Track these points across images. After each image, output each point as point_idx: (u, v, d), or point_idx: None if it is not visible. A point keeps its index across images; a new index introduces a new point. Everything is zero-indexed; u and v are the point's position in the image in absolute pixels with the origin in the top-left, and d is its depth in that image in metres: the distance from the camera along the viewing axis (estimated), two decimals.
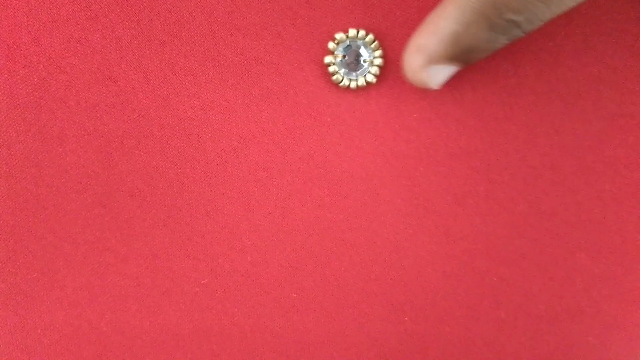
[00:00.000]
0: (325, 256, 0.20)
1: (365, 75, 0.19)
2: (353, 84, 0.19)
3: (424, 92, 0.20)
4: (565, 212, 0.20)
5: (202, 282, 0.20)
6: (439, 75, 0.18)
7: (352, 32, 0.19)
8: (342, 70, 0.19)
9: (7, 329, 0.19)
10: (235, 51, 0.18)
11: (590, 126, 0.19)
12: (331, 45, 0.19)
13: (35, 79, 0.18)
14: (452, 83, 0.20)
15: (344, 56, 0.19)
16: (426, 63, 0.17)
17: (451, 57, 0.17)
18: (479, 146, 0.20)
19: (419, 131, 0.20)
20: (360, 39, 0.19)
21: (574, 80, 0.19)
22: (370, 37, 0.19)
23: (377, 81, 0.19)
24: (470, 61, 0.17)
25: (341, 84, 0.19)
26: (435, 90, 0.19)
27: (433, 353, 0.20)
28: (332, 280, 0.20)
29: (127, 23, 0.18)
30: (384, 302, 0.20)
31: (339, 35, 0.19)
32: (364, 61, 0.19)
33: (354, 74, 0.19)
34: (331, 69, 0.19)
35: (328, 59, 0.19)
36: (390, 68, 0.19)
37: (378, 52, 0.19)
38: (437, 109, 0.20)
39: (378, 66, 0.19)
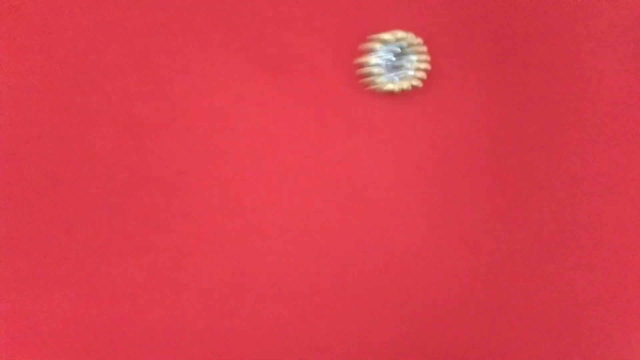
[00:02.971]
0: (343, 259, 0.19)
1: (411, 80, 0.18)
2: (397, 88, 0.18)
3: (464, 103, 0.19)
4: (579, 227, 0.19)
5: (218, 279, 0.19)
6: None
7: (400, 34, 0.18)
8: (385, 73, 0.18)
9: (19, 314, 0.19)
10: (276, 46, 0.18)
11: (614, 141, 0.19)
12: (376, 45, 0.18)
13: (72, 61, 0.17)
14: (488, 97, 0.19)
15: (388, 59, 0.18)
16: None
17: None
18: (509, 162, 0.19)
19: (453, 143, 0.19)
20: (407, 42, 0.18)
21: (612, 95, 0.19)
22: (419, 40, 0.18)
23: (422, 86, 0.18)
24: None
25: (384, 87, 0.18)
26: (474, 102, 0.19)
27: (431, 355, 0.20)
28: (350, 284, 0.19)
29: (169, 10, 0.18)
30: (386, 300, 0.19)
31: (386, 36, 0.18)
32: (410, 65, 0.18)
33: (397, 77, 0.18)
34: (375, 70, 0.18)
35: (373, 60, 0.18)
36: (436, 74, 0.19)
37: (424, 57, 0.18)
38: (474, 121, 0.19)
39: (424, 70, 0.18)
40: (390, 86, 0.18)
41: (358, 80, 0.19)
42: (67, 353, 0.19)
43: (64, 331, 0.19)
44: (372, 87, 0.18)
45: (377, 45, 0.18)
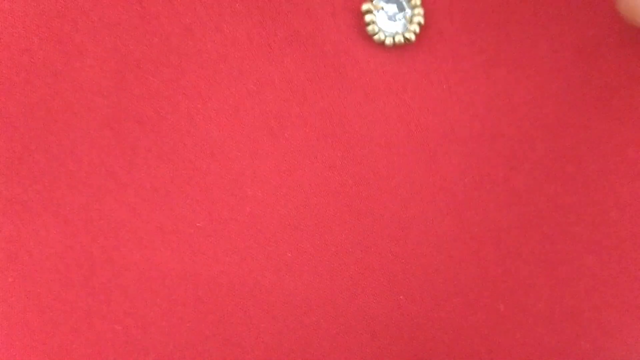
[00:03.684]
0: (328, 220, 0.19)
1: (404, 32, 0.18)
2: (389, 40, 0.18)
3: (460, 62, 0.18)
4: (581, 212, 0.18)
5: (198, 224, 0.19)
6: None
7: None
8: (380, 23, 0.18)
9: (1, 237, 0.19)
10: None
11: (621, 126, 0.18)
12: None
13: None
14: (486, 62, 0.18)
15: (383, 7, 0.18)
16: None
17: None
18: (505, 130, 0.18)
19: (447, 104, 0.18)
20: None
21: (609, 76, 0.18)
22: None
23: (415, 40, 0.18)
24: None
25: (376, 37, 0.18)
26: (470, 63, 0.18)
27: (423, 336, 0.19)
28: (330, 245, 0.19)
29: None
30: (380, 276, 0.19)
31: None
32: (404, 16, 0.18)
33: (392, 28, 0.18)
34: (367, 17, 0.18)
35: (366, 6, 0.17)
36: (432, 28, 0.18)
37: (419, 10, 0.18)
38: (469, 83, 0.18)
39: (418, 24, 0.18)
40: (381, 37, 0.18)
41: (350, 28, 0.18)
42: (43, 283, 0.19)
43: (42, 259, 0.19)
44: (364, 36, 0.18)
45: None
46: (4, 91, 0.18)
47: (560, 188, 0.19)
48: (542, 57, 0.18)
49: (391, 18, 0.18)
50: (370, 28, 0.18)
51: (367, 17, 0.17)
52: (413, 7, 0.18)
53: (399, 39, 0.18)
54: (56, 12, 0.18)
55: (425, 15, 0.18)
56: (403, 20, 0.18)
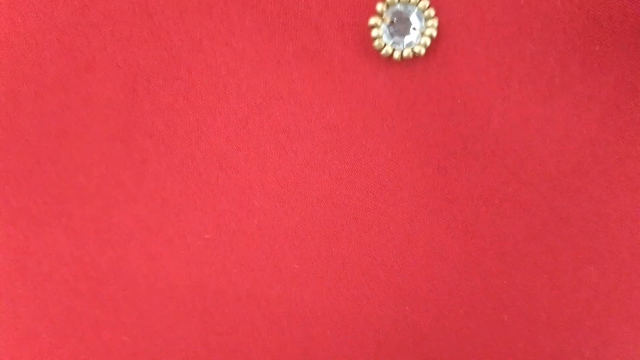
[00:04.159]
0: (335, 232, 0.19)
1: (412, 47, 0.18)
2: (397, 54, 0.18)
3: (472, 75, 0.18)
4: (584, 223, 0.19)
5: (206, 236, 0.19)
6: None
7: None
8: (387, 37, 0.18)
9: (10, 247, 0.19)
10: (276, 2, 0.18)
11: (623, 140, 0.18)
12: (379, 7, 0.17)
13: (77, 3, 0.18)
14: (497, 76, 0.18)
15: (392, 21, 0.18)
16: None
17: None
18: (515, 145, 0.18)
19: (458, 120, 0.19)
20: (413, 4, 0.18)
21: (616, 89, 0.18)
22: (425, 3, 0.18)
23: (425, 54, 0.18)
24: None
25: (383, 51, 0.18)
26: (483, 77, 0.18)
27: (428, 346, 0.19)
28: (337, 257, 0.19)
29: None
30: (386, 287, 0.19)
31: None
32: (414, 29, 0.18)
33: (400, 42, 0.18)
34: (374, 32, 0.18)
35: (373, 20, 0.18)
36: (444, 41, 0.18)
37: (432, 22, 0.18)
38: (481, 98, 0.18)
39: (429, 37, 0.18)
40: (388, 50, 0.18)
41: (358, 43, 0.18)
42: (52, 293, 0.19)
43: (52, 270, 0.19)
44: (372, 51, 0.18)
45: (379, 7, 0.17)
46: (16, 104, 0.18)
47: (563, 201, 0.19)
48: (552, 72, 0.18)
49: (400, 31, 0.18)
50: (376, 43, 0.18)
51: (374, 32, 0.18)
52: (427, 19, 0.18)
53: (408, 52, 0.18)
54: (68, 26, 0.18)
55: (438, 28, 0.18)
56: (416, 33, 0.18)
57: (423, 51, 0.18)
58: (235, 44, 0.18)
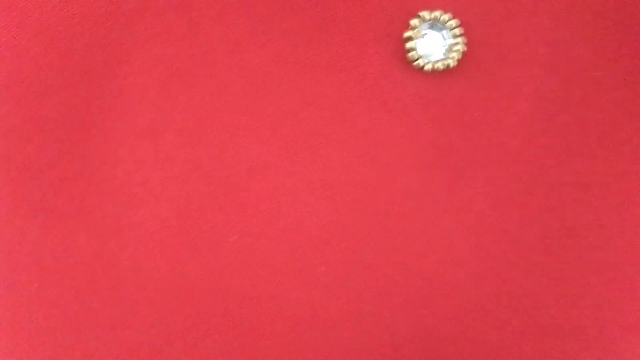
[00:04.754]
0: (359, 237, 0.19)
1: (443, 60, 0.19)
2: (428, 67, 0.19)
3: (490, 90, 0.19)
4: (588, 234, 0.20)
5: (231, 239, 0.19)
6: None
7: (436, 13, 0.18)
8: (421, 49, 0.19)
9: (29, 241, 0.18)
10: (316, 7, 0.18)
11: (621, 158, 0.20)
12: (414, 22, 0.18)
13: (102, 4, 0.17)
14: (510, 94, 0.19)
15: (424, 35, 0.18)
16: None
17: None
18: (525, 157, 0.20)
19: (477, 131, 0.19)
20: (443, 22, 0.18)
21: (613, 112, 0.19)
22: (454, 22, 0.18)
23: (455, 67, 0.19)
24: None
25: (415, 63, 0.18)
26: (498, 93, 0.19)
27: (443, 350, 0.20)
28: (361, 262, 0.19)
29: None
30: (406, 292, 0.19)
31: (424, 13, 0.18)
32: (443, 45, 0.19)
33: (431, 55, 0.19)
34: (408, 45, 0.18)
35: (408, 33, 0.18)
36: (472, 57, 0.19)
37: (461, 39, 0.18)
38: (495, 113, 0.19)
39: (460, 52, 0.18)
40: (420, 63, 0.18)
41: (391, 55, 0.19)
42: (69, 290, 0.19)
43: (69, 267, 0.19)
44: (404, 63, 0.19)
45: (413, 22, 0.18)
46: (41, 93, 0.18)
47: (570, 212, 0.20)
48: (557, 91, 0.20)
49: (432, 45, 0.18)
50: (410, 55, 0.18)
51: (408, 44, 0.18)
52: (455, 37, 0.19)
53: (439, 66, 0.18)
54: (103, 17, 0.17)
55: (468, 44, 0.19)
56: (445, 48, 0.18)
57: (453, 65, 0.18)
58: (273, 47, 0.18)
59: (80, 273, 0.18)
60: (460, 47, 0.18)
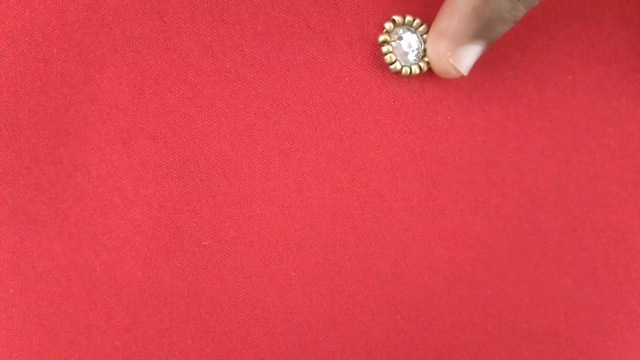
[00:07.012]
0: (332, 240, 0.19)
1: (418, 63, 0.19)
2: (405, 70, 0.19)
3: (462, 93, 0.19)
4: (561, 238, 0.20)
5: (204, 243, 0.19)
6: (466, 58, 0.17)
7: (408, 18, 0.18)
8: (396, 52, 0.19)
9: (4, 246, 0.19)
10: (289, 11, 0.18)
11: (594, 161, 0.20)
12: (388, 25, 0.18)
13: (88, 0, 0.17)
14: (482, 97, 0.20)
15: (399, 38, 0.19)
16: (451, 46, 0.17)
17: (474, 34, 0.17)
18: (498, 159, 0.20)
19: (449, 134, 0.19)
20: (415, 27, 0.18)
21: (585, 114, 0.20)
22: (424, 27, 0.18)
23: (428, 72, 0.19)
24: (494, 37, 0.17)
25: (392, 66, 0.18)
26: (470, 97, 0.19)
27: (417, 354, 0.20)
28: (333, 265, 0.19)
29: None
30: (380, 296, 0.19)
31: (398, 18, 0.18)
32: (412, 50, 0.19)
33: (407, 59, 0.19)
34: (384, 48, 0.18)
35: (383, 37, 0.18)
36: None
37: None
38: (467, 116, 0.20)
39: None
40: (397, 66, 0.18)
41: (365, 58, 0.19)
42: (45, 295, 0.19)
43: (45, 272, 0.19)
44: (378, 66, 0.19)
45: (388, 25, 0.18)
46: (18, 99, 0.18)
47: (543, 215, 0.20)
48: (530, 94, 0.20)
49: (407, 49, 0.19)
50: (387, 57, 0.18)
51: (385, 48, 0.18)
52: (424, 42, 0.19)
53: (415, 69, 0.18)
54: (78, 24, 0.18)
55: None
56: (417, 52, 0.19)
57: (425, 68, 0.19)
58: (246, 50, 0.18)
59: (55, 277, 0.19)
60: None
